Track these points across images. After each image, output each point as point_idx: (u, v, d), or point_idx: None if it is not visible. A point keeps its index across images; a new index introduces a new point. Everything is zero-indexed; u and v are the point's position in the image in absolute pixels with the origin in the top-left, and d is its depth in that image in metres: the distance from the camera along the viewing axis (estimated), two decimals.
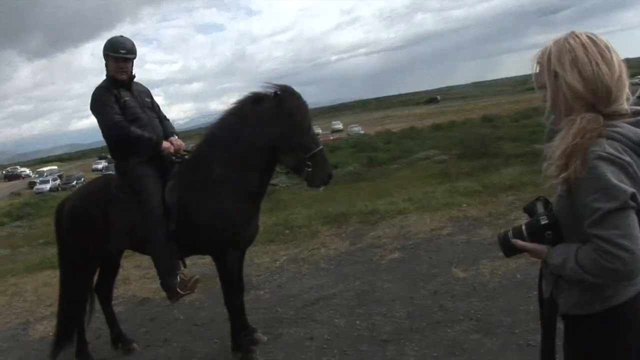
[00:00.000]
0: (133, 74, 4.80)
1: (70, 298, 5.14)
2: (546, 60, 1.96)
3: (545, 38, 2.08)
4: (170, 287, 4.56)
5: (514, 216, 7.30)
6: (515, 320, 4.55)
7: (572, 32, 1.94)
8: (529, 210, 2.13)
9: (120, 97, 4.62)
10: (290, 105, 4.35)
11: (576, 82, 1.88)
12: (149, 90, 5.07)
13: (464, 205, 8.49)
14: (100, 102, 4.61)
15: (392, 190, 12.47)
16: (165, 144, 4.63)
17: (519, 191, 8.65)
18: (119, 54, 4.63)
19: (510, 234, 2.07)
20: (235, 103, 4.61)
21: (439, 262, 6.29)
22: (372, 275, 6.27)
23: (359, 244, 7.60)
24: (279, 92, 4.39)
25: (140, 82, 4.98)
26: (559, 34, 2.00)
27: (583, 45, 1.89)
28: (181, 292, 4.56)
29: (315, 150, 4.41)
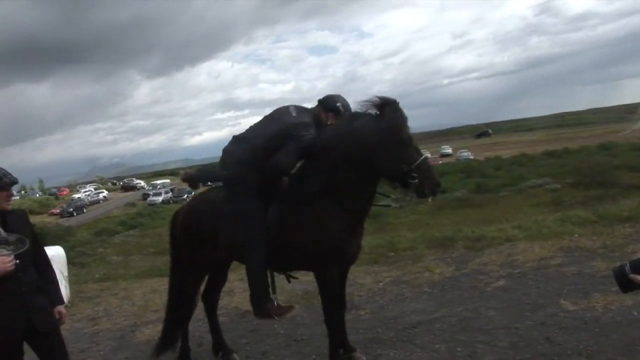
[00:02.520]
0: None
1: (178, 304, 5.34)
2: None
3: None
4: (264, 309, 4.62)
5: (631, 249, 6.92)
6: None
7: None
8: None
9: None
10: (389, 117, 4.28)
11: None
12: None
13: (577, 235, 8.12)
14: None
15: (500, 217, 12.14)
16: None
17: (638, 223, 8.16)
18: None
19: (627, 267, 1.93)
20: (336, 122, 4.62)
21: (547, 292, 6.04)
22: (476, 302, 6.11)
23: (464, 270, 7.44)
24: (377, 107, 4.34)
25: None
26: None
27: None
28: (275, 316, 4.62)
29: (420, 160, 4.30)
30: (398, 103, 4.38)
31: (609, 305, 5.34)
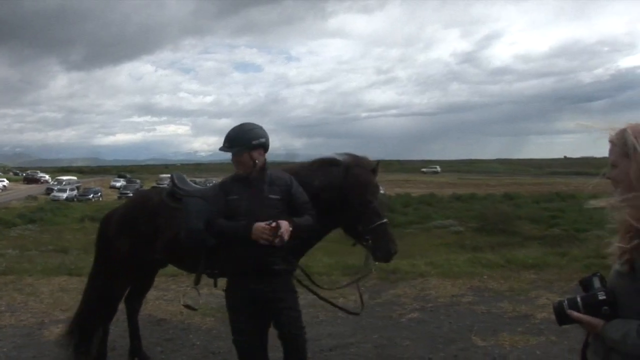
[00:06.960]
0: None
1: (98, 307, 5.18)
2: (621, 138, 2.07)
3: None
4: None
5: (534, 294, 7.33)
6: None
7: None
8: (585, 284, 2.23)
9: None
10: (355, 173, 4.23)
11: None
12: None
13: (486, 276, 8.50)
14: None
15: (412, 253, 12.46)
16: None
17: (541, 271, 8.62)
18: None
19: (565, 303, 2.18)
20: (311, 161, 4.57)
21: (458, 327, 6.32)
22: (391, 331, 6.30)
23: (378, 299, 7.63)
24: (349, 161, 4.32)
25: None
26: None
27: None
28: None
29: (376, 224, 4.17)
30: (369, 165, 4.37)
31: (515, 344, 5.67)
